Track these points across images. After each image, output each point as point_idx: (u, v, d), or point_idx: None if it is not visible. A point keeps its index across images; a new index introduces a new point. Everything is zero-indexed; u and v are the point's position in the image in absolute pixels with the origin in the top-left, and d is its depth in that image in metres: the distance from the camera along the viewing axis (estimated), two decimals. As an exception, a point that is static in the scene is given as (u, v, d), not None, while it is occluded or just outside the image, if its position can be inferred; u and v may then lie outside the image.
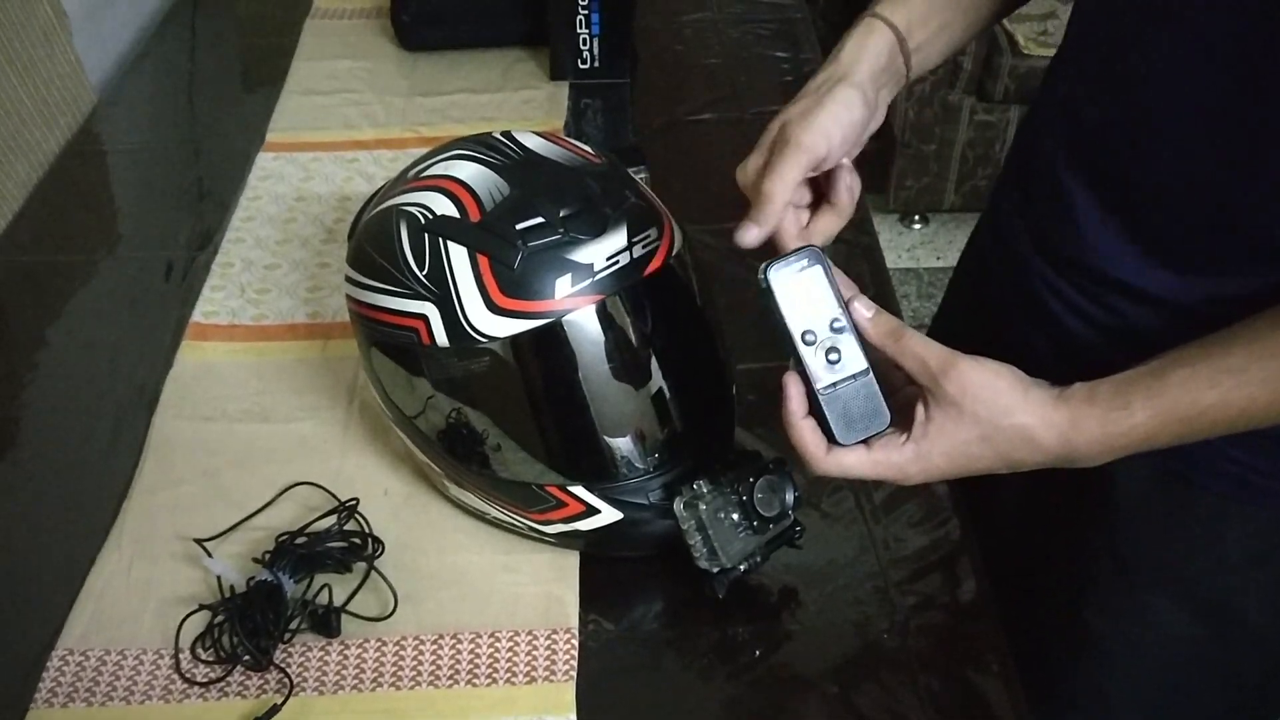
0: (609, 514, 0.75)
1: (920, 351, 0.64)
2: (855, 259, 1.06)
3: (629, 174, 0.79)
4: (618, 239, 0.72)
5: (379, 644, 0.74)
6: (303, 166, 1.19)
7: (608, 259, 0.71)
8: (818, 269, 0.65)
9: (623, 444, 0.75)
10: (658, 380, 0.75)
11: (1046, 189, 0.79)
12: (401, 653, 0.74)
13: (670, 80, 1.35)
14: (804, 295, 0.65)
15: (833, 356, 0.65)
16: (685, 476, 0.74)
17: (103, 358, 0.98)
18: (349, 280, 0.78)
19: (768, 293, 0.65)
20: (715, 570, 0.73)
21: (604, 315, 0.72)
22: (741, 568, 0.74)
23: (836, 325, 0.65)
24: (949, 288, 1.10)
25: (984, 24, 0.82)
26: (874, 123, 0.75)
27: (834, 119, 0.71)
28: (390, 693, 0.71)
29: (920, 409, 0.64)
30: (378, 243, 0.75)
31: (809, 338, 0.65)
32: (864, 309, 0.66)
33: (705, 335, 0.81)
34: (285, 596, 0.74)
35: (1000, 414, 0.63)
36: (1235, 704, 0.92)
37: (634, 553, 0.77)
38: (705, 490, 0.72)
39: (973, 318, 0.95)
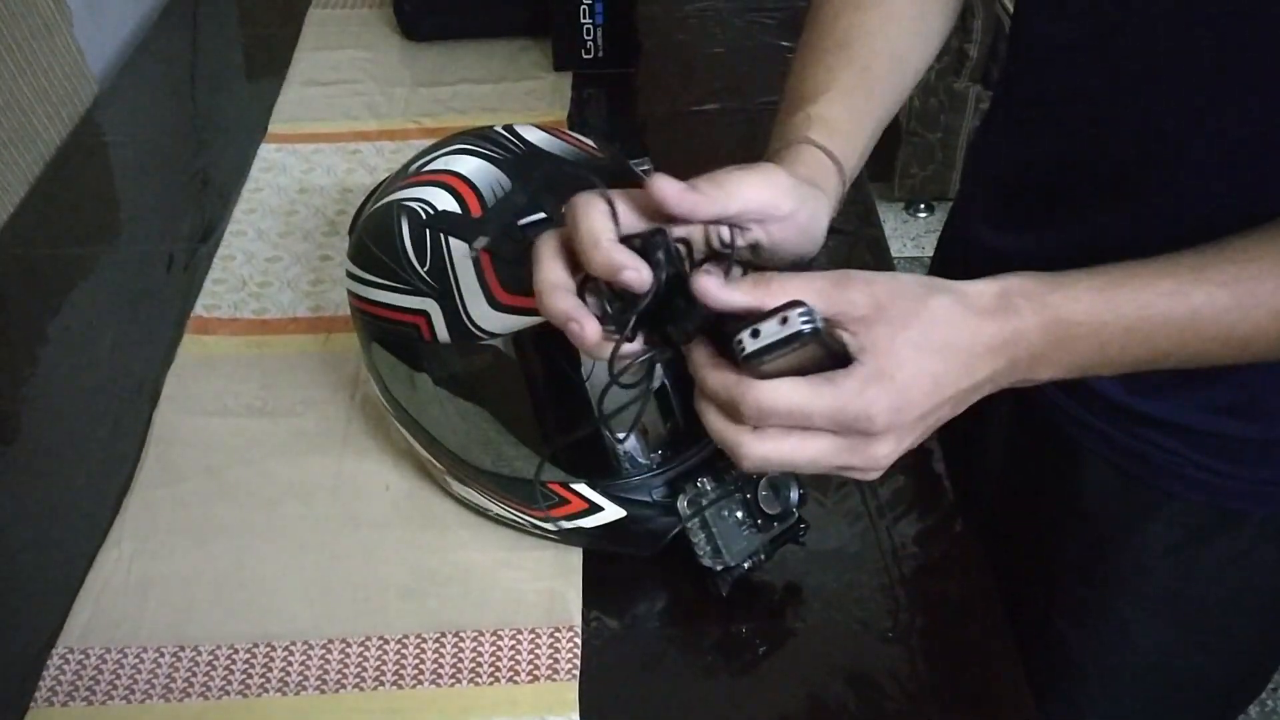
0: (612, 511, 0.74)
1: (803, 285, 0.55)
2: (860, 250, 1.06)
3: (632, 168, 0.78)
4: (621, 234, 0.71)
5: (380, 642, 0.74)
6: (305, 158, 1.18)
7: (610, 255, 0.70)
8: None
9: (626, 441, 0.74)
10: (661, 375, 0.74)
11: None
12: (404, 651, 0.73)
13: (674, 70, 1.34)
14: None
15: None
16: (689, 473, 0.73)
17: (103, 351, 0.97)
18: (350, 276, 0.77)
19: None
20: (719, 568, 0.72)
21: (607, 311, 0.71)
22: (745, 565, 0.73)
23: None
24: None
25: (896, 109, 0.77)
26: (803, 237, 0.62)
27: (732, 175, 0.59)
28: (391, 692, 0.71)
29: (846, 337, 0.55)
30: (378, 238, 0.75)
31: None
32: (712, 285, 0.54)
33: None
34: None
35: (924, 295, 0.56)
36: (1204, 708, 0.92)
37: (637, 550, 0.77)
38: (709, 488, 0.72)
39: None
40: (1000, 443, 0.92)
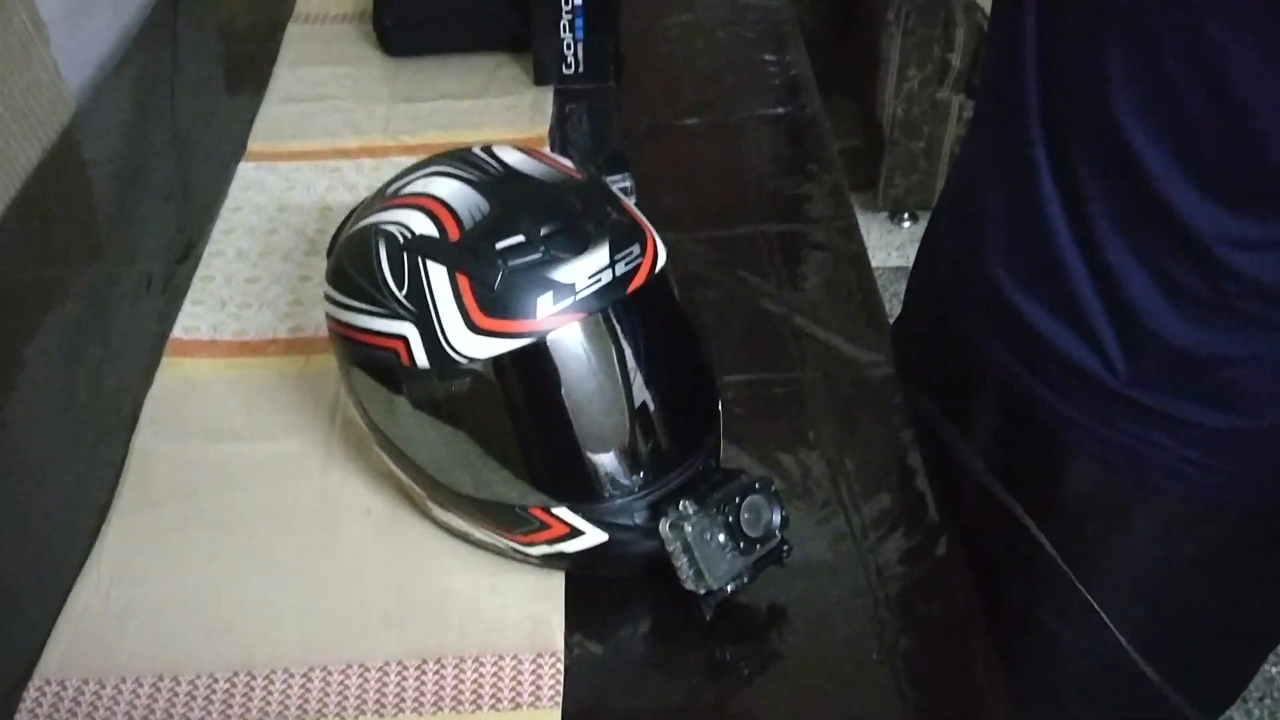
0: (594, 535, 0.73)
1: None
2: (842, 266, 1.06)
3: (611, 188, 0.78)
4: (600, 256, 0.70)
5: (361, 670, 0.73)
6: (284, 176, 1.18)
7: (590, 277, 0.70)
8: None
9: (607, 464, 0.74)
10: (643, 398, 0.74)
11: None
12: (384, 679, 0.72)
13: (656, 84, 1.34)
14: None
15: None
16: (671, 496, 0.73)
17: (81, 374, 0.96)
18: (328, 299, 0.77)
19: None
20: (702, 591, 0.72)
21: (587, 334, 0.71)
22: (729, 588, 0.73)
23: None
24: (908, 287, 1.10)
25: None
26: None
27: None
28: (372, 720, 0.70)
29: None
30: (356, 262, 0.74)
31: None
32: None
33: (691, 350, 0.80)
34: None
35: None
36: (1187, 698, 0.93)
37: (620, 573, 0.77)
38: (691, 511, 0.71)
39: (931, 314, 0.96)
40: (984, 438, 0.92)
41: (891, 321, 1.01)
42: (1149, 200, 0.70)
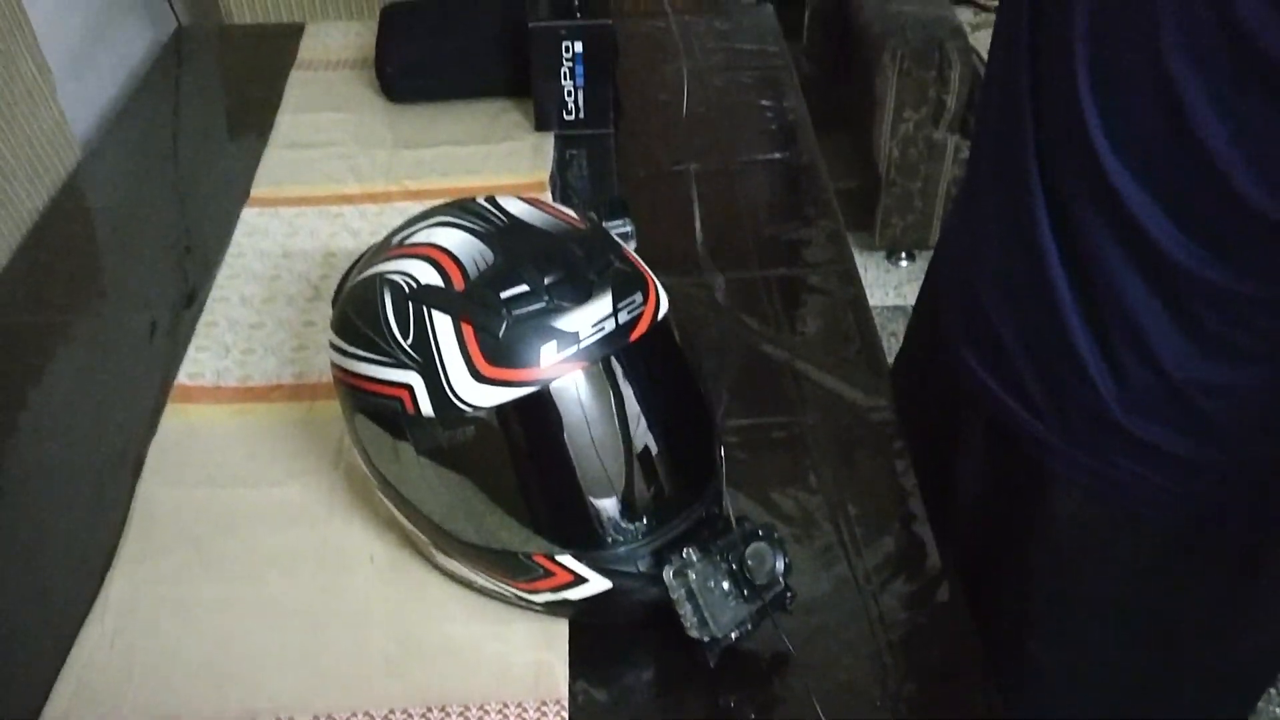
0: (598, 583, 0.74)
1: None
2: (841, 310, 1.06)
3: (613, 238, 0.79)
4: (602, 305, 0.71)
5: (365, 717, 0.73)
6: (288, 221, 1.19)
7: (593, 326, 0.71)
8: None
9: (611, 511, 0.74)
10: (645, 445, 0.75)
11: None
12: (389, 727, 0.73)
13: (655, 130, 1.35)
14: None
15: None
16: (674, 543, 0.73)
17: (85, 421, 0.97)
18: (333, 348, 0.78)
19: None
20: (706, 639, 0.72)
21: (590, 382, 0.71)
22: (733, 636, 0.73)
23: None
24: (908, 330, 1.11)
25: None
26: None
27: None
28: (378, 769, 0.70)
29: None
30: (361, 311, 0.75)
31: None
32: None
33: (692, 397, 0.81)
34: None
35: None
36: None
37: (624, 621, 0.77)
38: (694, 558, 0.72)
39: (925, 343, 0.97)
40: (973, 469, 0.93)
41: (891, 360, 1.03)
42: (1131, 232, 0.71)
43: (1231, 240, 0.68)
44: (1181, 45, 0.63)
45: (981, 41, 2.29)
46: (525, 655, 0.76)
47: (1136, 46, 0.66)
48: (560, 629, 0.78)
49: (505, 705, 0.73)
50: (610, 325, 0.71)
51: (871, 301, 1.11)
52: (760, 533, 0.74)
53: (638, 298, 0.73)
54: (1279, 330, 0.70)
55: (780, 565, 0.74)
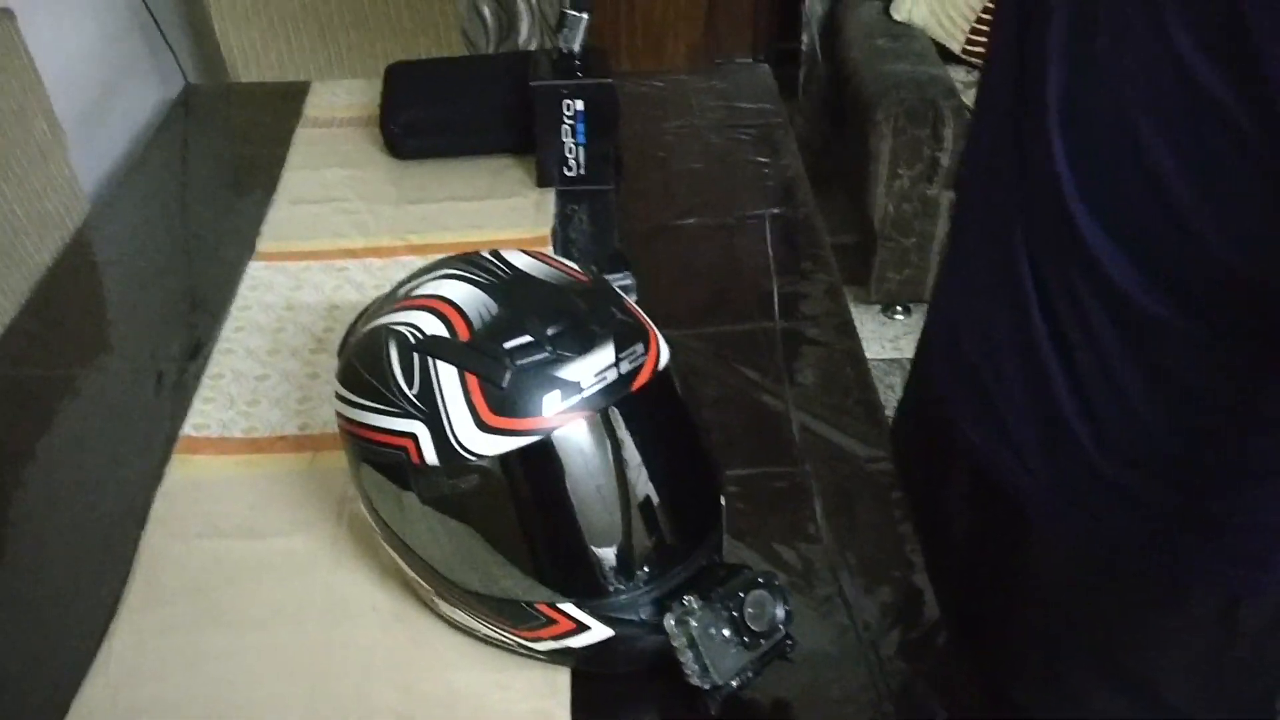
0: (599, 631, 0.74)
1: None
2: (839, 362, 1.08)
3: (615, 290, 0.80)
4: (605, 355, 0.73)
5: (369, 767, 0.73)
6: (293, 275, 1.20)
7: (595, 375, 0.72)
8: None
9: (612, 559, 0.75)
10: (647, 494, 0.75)
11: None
12: (392, 776, 0.73)
13: (655, 186, 1.38)
14: None
15: None
16: (676, 591, 0.74)
17: (92, 472, 0.98)
18: (338, 398, 0.79)
19: None
20: (708, 687, 0.73)
21: (593, 431, 0.73)
22: (734, 684, 0.73)
23: None
24: (906, 382, 1.12)
25: None
26: None
27: None
28: (380, 818, 0.71)
29: None
30: (367, 361, 0.76)
31: None
32: None
33: (694, 446, 0.82)
34: None
35: None
36: None
37: (626, 669, 0.77)
38: (696, 606, 0.72)
39: (918, 396, 0.99)
40: (962, 519, 0.94)
41: (890, 411, 1.04)
42: (1102, 283, 0.73)
43: (1200, 294, 0.70)
44: (1145, 102, 0.65)
45: (974, 100, 2.33)
46: (528, 703, 0.77)
47: (1105, 106, 0.68)
48: (563, 677, 0.78)
49: (508, 754, 0.74)
50: (612, 375, 0.73)
51: (868, 354, 1.12)
52: (761, 580, 0.75)
53: (639, 348, 0.75)
54: (1246, 381, 0.71)
55: (781, 613, 0.74)
